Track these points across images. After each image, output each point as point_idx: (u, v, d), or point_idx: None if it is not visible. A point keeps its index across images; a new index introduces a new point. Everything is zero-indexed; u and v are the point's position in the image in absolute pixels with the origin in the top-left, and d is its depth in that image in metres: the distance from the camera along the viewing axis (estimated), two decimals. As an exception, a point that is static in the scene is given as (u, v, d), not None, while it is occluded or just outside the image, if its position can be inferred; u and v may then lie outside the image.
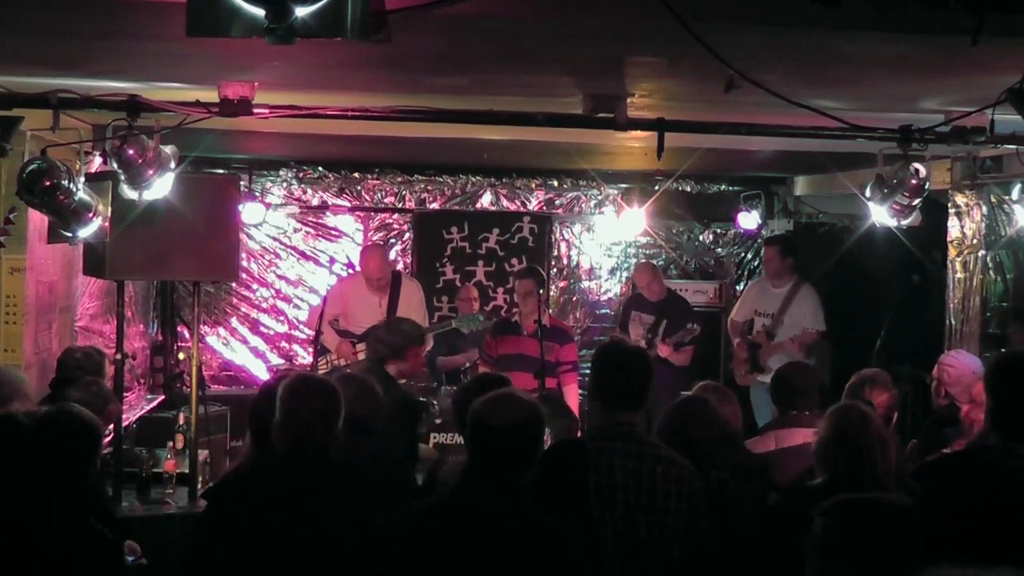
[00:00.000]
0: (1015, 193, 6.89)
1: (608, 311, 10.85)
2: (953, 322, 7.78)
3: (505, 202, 10.77)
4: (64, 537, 3.92)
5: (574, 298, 10.91)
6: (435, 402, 8.03)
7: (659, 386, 5.06)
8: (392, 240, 10.63)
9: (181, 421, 6.32)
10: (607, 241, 10.85)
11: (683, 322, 8.46)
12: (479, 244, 10.61)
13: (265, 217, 9.92)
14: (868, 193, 5.82)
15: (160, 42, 4.30)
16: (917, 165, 5.51)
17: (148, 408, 8.08)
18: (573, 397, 7.88)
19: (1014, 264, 7.38)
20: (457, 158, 9.94)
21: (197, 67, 4.87)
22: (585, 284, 10.92)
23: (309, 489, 3.66)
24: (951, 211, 7.76)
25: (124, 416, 6.26)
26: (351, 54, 4.39)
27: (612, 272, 10.94)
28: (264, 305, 10.47)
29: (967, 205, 7.65)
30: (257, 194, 9.95)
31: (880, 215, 5.82)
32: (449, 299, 10.23)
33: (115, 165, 5.06)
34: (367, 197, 10.53)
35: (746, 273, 10.97)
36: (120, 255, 5.79)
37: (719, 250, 11.05)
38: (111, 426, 5.80)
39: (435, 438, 7.56)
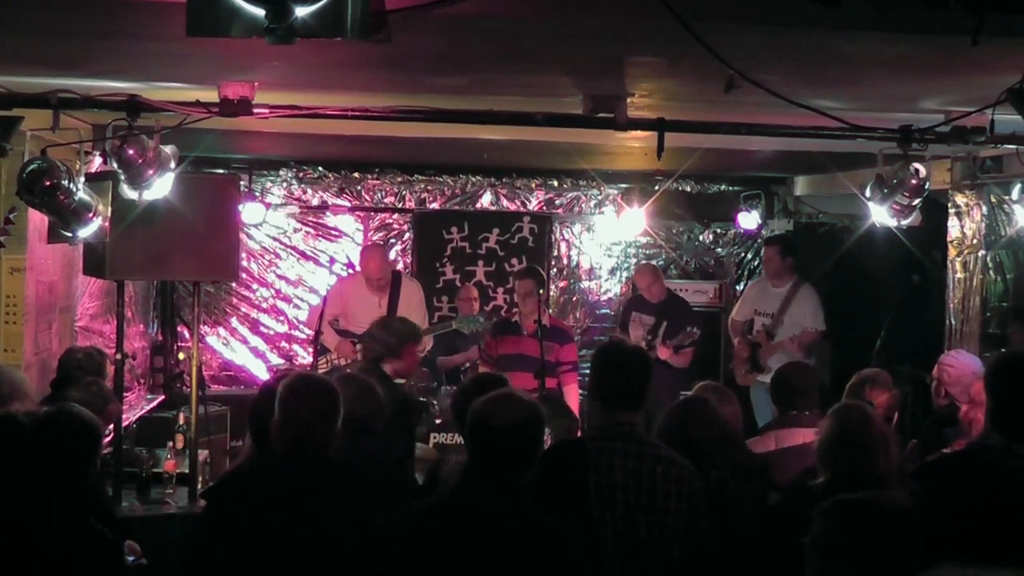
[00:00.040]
0: (1015, 193, 6.89)
1: (608, 311, 10.85)
2: (953, 322, 7.78)
3: (505, 202, 10.77)
4: (64, 537, 3.92)
5: (574, 298, 10.91)
6: (435, 402, 8.03)
7: (659, 386, 5.07)
8: (392, 240, 10.63)
9: (181, 421, 6.32)
10: (607, 241, 10.85)
11: (683, 325, 8.46)
12: (479, 244, 10.62)
13: (265, 217, 9.92)
14: (868, 193, 5.82)
15: (160, 42, 4.30)
16: (917, 165, 5.51)
17: (148, 408, 8.08)
18: (573, 397, 7.88)
19: (1014, 264, 7.38)
20: (457, 158, 9.94)
21: (197, 67, 4.87)
22: (585, 284, 10.92)
23: (309, 489, 3.66)
24: (951, 211, 7.76)
25: (124, 416, 6.26)
26: (351, 54, 4.39)
27: (612, 272, 10.94)
28: (264, 305, 10.47)
29: (967, 205, 7.65)
30: (257, 194, 9.95)
31: (880, 215, 5.82)
32: (449, 299, 10.23)
33: (115, 165, 5.06)
34: (367, 197, 10.53)
35: (746, 273, 10.97)
36: (120, 255, 5.79)
37: (719, 250, 11.05)
38: (111, 426, 5.80)
39: (435, 438, 7.56)
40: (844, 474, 3.88)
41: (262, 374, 10.08)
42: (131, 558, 4.76)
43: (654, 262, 10.20)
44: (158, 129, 4.97)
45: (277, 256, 10.45)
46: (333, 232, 10.56)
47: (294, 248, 10.48)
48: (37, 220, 6.36)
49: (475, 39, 4.28)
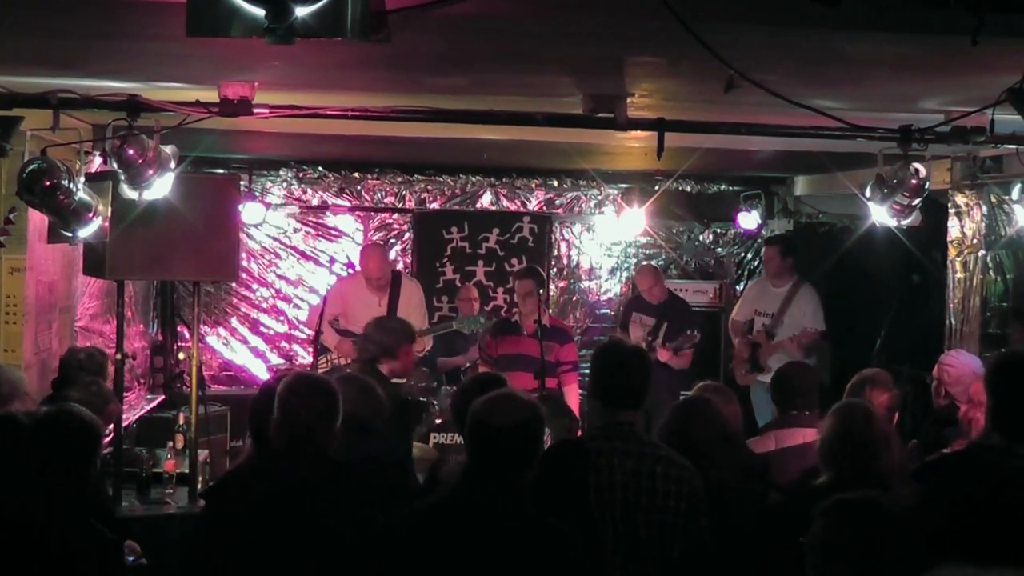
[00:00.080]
0: (1015, 193, 6.89)
1: (608, 311, 10.85)
2: (953, 322, 7.78)
3: (505, 202, 10.77)
4: (64, 537, 3.92)
5: (574, 298, 10.91)
6: (435, 402, 8.03)
7: (659, 386, 5.07)
8: (392, 240, 10.64)
9: (181, 421, 6.32)
10: (607, 241, 10.85)
11: (684, 328, 8.46)
12: (479, 244, 10.62)
13: (265, 217, 9.92)
14: (868, 193, 5.82)
15: (160, 42, 4.30)
16: (917, 165, 5.51)
17: (148, 408, 8.09)
18: (573, 397, 7.88)
19: (1014, 264, 7.38)
20: (457, 158, 9.94)
21: (197, 67, 4.87)
22: (585, 284, 10.92)
23: (309, 489, 3.66)
24: (951, 211, 7.77)
25: (124, 416, 6.26)
26: (351, 54, 4.39)
27: (612, 272, 10.94)
28: (264, 305, 10.47)
29: (967, 205, 7.65)
30: (257, 194, 9.95)
31: (880, 215, 5.81)
32: (449, 299, 10.24)
33: (115, 165, 5.06)
34: (367, 197, 10.53)
35: (746, 273, 10.97)
36: (120, 255, 5.79)
37: (719, 250, 11.05)
38: (111, 426, 5.80)
39: (435, 438, 7.55)
40: (847, 473, 3.88)
41: (262, 374, 10.08)
42: (131, 558, 4.76)
43: (654, 262, 10.20)
44: (158, 129, 4.97)
45: (277, 256, 10.45)
46: (333, 232, 10.56)
47: (294, 248, 10.48)
48: (37, 220, 6.36)
49: (475, 39, 4.28)
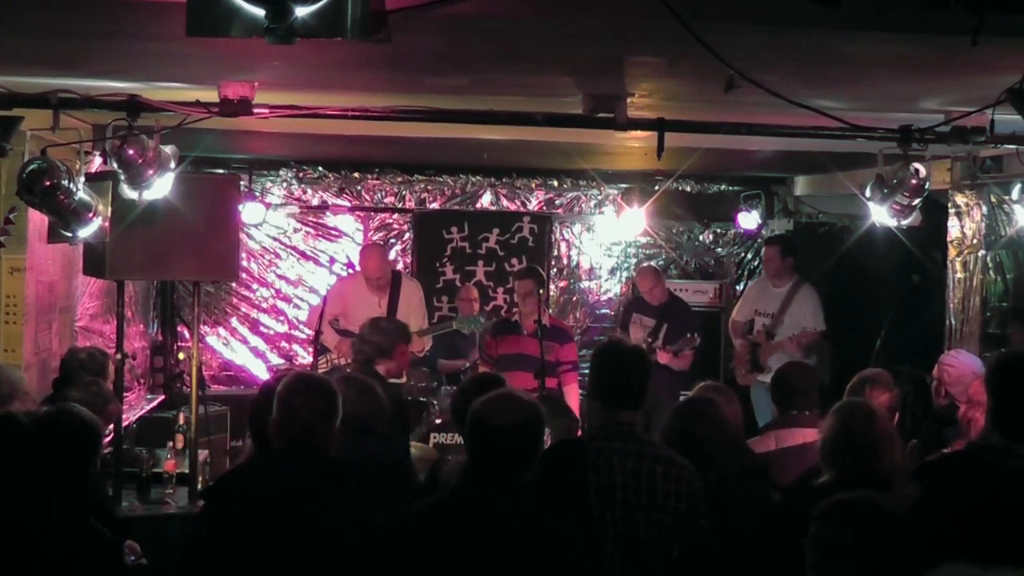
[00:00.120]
0: (1015, 193, 6.89)
1: (608, 311, 10.85)
2: (953, 322, 7.78)
3: (505, 202, 10.77)
4: (64, 537, 3.92)
5: (574, 298, 10.91)
6: (435, 402, 8.03)
7: (659, 387, 5.07)
8: (392, 240, 10.64)
9: (181, 421, 6.32)
10: (607, 241, 10.85)
11: (684, 330, 8.47)
12: (479, 244, 10.62)
13: (265, 217, 9.92)
14: (868, 193, 5.82)
15: (160, 42, 4.30)
16: (917, 165, 5.51)
17: (148, 408, 8.09)
18: (573, 397, 7.88)
19: (1014, 264, 7.38)
20: (457, 158, 9.94)
21: (197, 67, 4.87)
22: (585, 284, 10.92)
23: (309, 489, 3.66)
24: (951, 211, 7.77)
25: (124, 416, 6.26)
26: (351, 54, 4.39)
27: (612, 272, 10.94)
28: (264, 305, 10.47)
29: (967, 205, 7.65)
30: (257, 194, 9.95)
31: (880, 215, 5.81)
32: (449, 299, 10.24)
33: (115, 165, 5.06)
34: (367, 197, 10.53)
35: (746, 273, 10.97)
36: (120, 255, 5.80)
37: (719, 250, 11.05)
38: (111, 426, 5.80)
39: (435, 438, 7.55)
40: (848, 472, 3.88)
41: (262, 374, 10.07)
42: (131, 558, 4.76)
43: (654, 262, 10.20)
44: (158, 129, 4.97)
45: (277, 256, 10.45)
46: (333, 232, 10.56)
47: (294, 248, 10.48)
48: (37, 220, 6.36)
49: (475, 39, 4.28)
